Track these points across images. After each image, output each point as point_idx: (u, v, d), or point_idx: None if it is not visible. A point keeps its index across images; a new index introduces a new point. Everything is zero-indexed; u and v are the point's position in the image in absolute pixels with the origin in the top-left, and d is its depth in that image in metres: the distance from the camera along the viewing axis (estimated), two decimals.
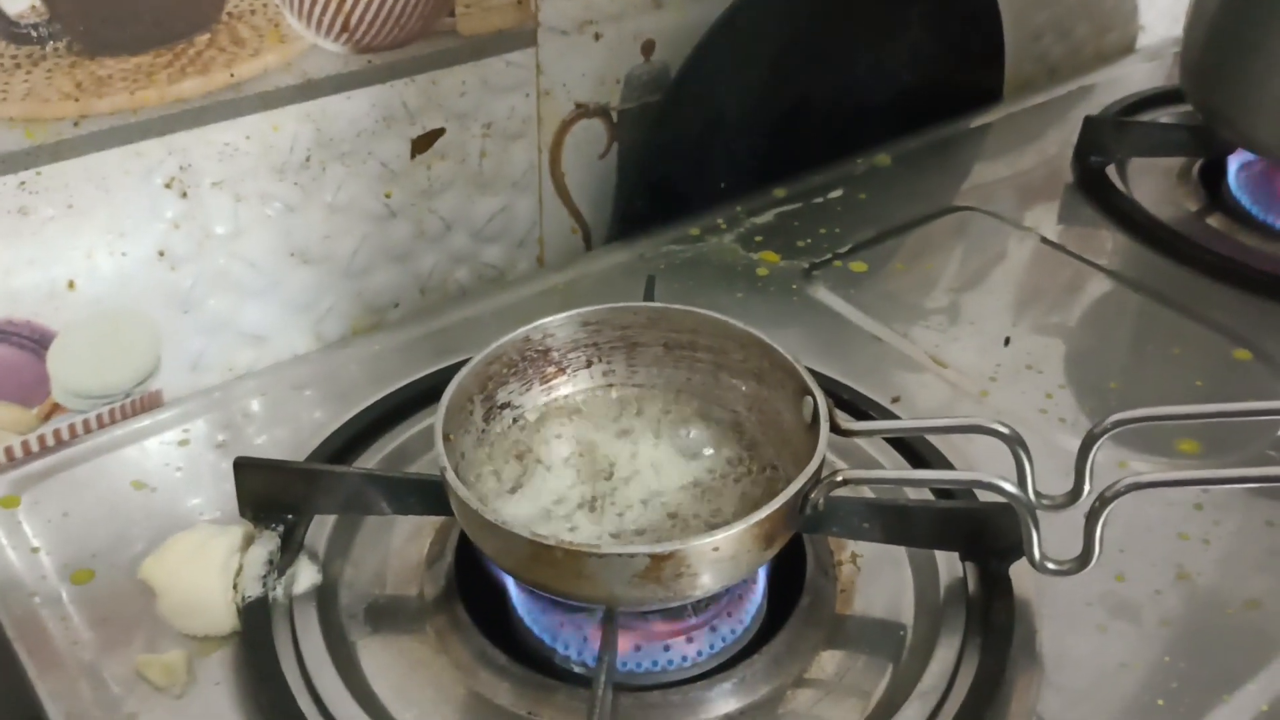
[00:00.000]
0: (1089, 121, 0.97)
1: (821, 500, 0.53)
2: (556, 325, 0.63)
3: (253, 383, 0.74)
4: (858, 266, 0.85)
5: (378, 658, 0.57)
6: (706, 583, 0.51)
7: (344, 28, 0.70)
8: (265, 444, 0.69)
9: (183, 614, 0.58)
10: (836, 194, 0.93)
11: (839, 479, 0.53)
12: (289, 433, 0.70)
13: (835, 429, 0.55)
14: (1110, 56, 1.20)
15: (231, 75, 0.67)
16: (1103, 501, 0.51)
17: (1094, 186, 0.94)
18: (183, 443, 0.69)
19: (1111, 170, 0.96)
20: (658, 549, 0.49)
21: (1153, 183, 0.96)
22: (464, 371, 0.59)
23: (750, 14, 0.88)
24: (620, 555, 0.49)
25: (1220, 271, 0.85)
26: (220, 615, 0.57)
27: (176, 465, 0.68)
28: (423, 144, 0.77)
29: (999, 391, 0.74)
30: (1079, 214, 0.93)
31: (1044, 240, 0.89)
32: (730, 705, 0.54)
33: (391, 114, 0.74)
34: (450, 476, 0.52)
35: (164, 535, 0.61)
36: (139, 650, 0.56)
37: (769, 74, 0.93)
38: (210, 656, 0.56)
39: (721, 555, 0.50)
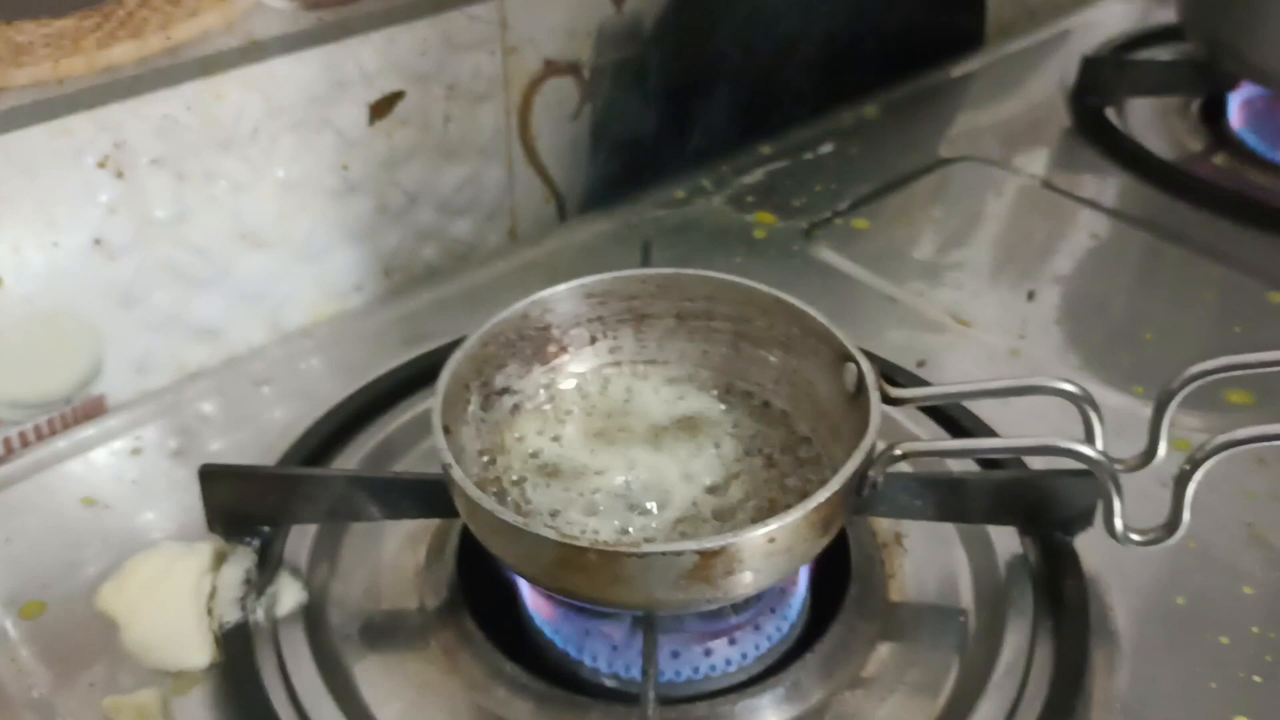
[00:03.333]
0: (1088, 62, 0.96)
1: (880, 478, 0.49)
2: (557, 299, 0.59)
3: (206, 382, 0.72)
4: (859, 223, 0.84)
5: (379, 683, 0.54)
6: (759, 579, 0.47)
7: None
8: (225, 449, 0.67)
9: (152, 646, 0.55)
10: (827, 149, 0.92)
11: (896, 453, 0.49)
12: (251, 435, 0.67)
13: (885, 398, 0.51)
14: None
15: (167, 38, 0.66)
16: (1193, 464, 0.48)
17: (1094, 129, 0.93)
18: (134, 452, 0.67)
19: (1110, 112, 0.95)
20: (707, 545, 0.45)
21: (1152, 124, 0.95)
22: (458, 355, 0.55)
23: None
24: (664, 554, 0.45)
25: (1241, 211, 0.83)
26: (195, 645, 0.55)
27: (129, 478, 0.65)
28: (381, 109, 0.75)
29: (1031, 349, 0.72)
30: (1080, 158, 0.91)
31: (1048, 186, 0.88)
32: (784, 713, 0.51)
33: (345, 77, 0.72)
34: (457, 473, 0.48)
35: (123, 557, 0.59)
36: (103, 690, 0.53)
37: (745, 23, 0.92)
38: (188, 694, 0.53)
39: (777, 547, 0.46)
